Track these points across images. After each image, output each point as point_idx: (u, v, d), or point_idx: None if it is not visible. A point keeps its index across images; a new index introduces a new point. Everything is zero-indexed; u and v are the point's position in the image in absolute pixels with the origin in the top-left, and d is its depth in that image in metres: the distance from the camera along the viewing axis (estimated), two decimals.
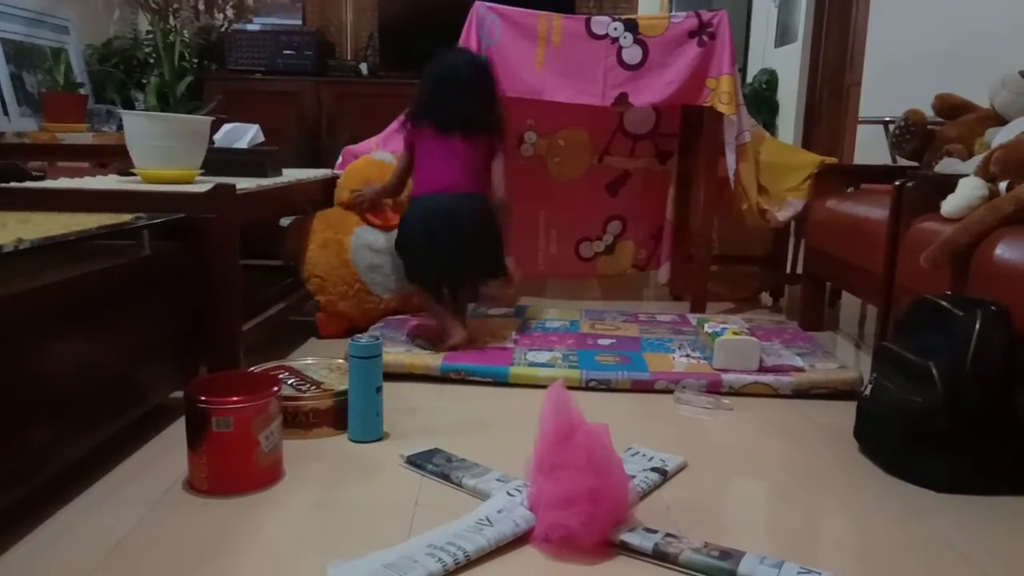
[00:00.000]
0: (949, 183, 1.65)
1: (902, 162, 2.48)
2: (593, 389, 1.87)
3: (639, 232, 2.98)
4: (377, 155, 2.47)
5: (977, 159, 1.74)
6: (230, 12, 3.62)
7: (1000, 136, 1.93)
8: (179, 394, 1.41)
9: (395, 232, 2.12)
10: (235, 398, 1.26)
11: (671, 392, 1.84)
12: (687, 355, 2.03)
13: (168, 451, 1.42)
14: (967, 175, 1.64)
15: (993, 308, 1.35)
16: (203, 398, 1.25)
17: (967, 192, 1.57)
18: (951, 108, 2.26)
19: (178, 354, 1.59)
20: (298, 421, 1.50)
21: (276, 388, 1.33)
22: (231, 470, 1.27)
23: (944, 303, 1.42)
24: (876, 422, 1.48)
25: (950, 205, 1.60)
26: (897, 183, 1.81)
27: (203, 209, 1.61)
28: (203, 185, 1.71)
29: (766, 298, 3.00)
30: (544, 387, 1.23)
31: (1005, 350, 1.33)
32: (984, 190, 1.56)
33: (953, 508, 1.30)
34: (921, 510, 1.30)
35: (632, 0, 3.81)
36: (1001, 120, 2.10)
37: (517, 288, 2.30)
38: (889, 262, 1.82)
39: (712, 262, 2.75)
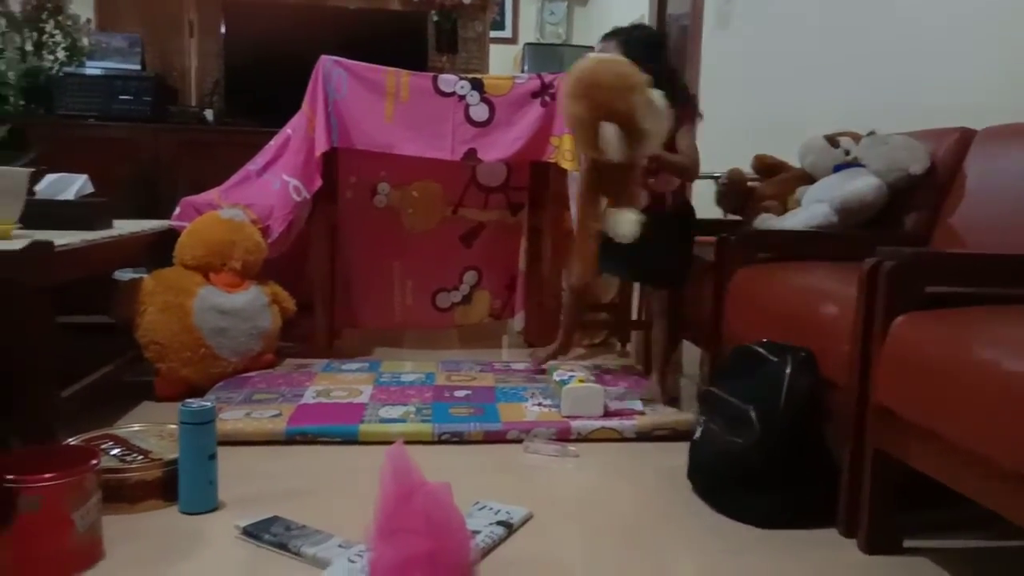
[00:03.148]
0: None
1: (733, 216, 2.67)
2: (446, 442, 1.86)
3: (494, 282, 3.03)
4: (225, 212, 2.36)
5: (790, 215, 1.91)
6: (61, 54, 3.40)
7: (809, 193, 2.14)
8: None
9: (241, 293, 2.03)
10: (45, 475, 1.16)
11: (521, 441, 1.86)
12: (539, 403, 2.08)
13: None
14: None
15: (802, 354, 1.48)
16: (8, 476, 1.14)
17: None
18: (767, 167, 2.48)
19: None
20: (122, 495, 1.40)
21: (94, 461, 1.23)
22: (40, 555, 1.17)
23: (760, 350, 1.54)
24: (705, 464, 1.57)
25: None
26: (719, 237, 1.95)
27: (12, 269, 1.49)
28: (18, 242, 1.58)
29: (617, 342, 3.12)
30: None
31: (812, 392, 1.46)
32: None
33: (773, 542, 1.39)
34: (743, 548, 1.38)
35: (484, 59, 3.91)
36: (810, 179, 2.32)
37: None
38: (716, 310, 1.95)
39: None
